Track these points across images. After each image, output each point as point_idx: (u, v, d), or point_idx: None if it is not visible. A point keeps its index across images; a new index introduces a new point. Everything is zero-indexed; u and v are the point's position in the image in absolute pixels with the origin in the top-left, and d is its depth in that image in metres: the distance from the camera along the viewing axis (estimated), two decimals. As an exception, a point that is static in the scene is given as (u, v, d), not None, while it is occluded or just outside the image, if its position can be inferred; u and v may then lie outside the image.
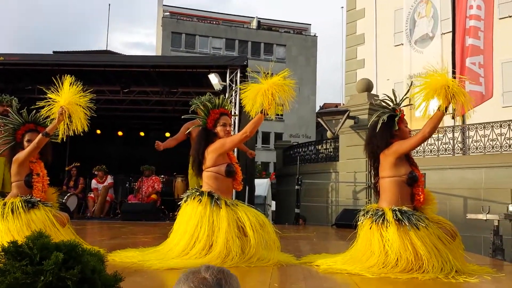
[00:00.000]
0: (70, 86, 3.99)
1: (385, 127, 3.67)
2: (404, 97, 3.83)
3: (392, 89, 4.04)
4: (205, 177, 3.86)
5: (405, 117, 3.80)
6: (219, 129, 3.92)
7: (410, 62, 15.25)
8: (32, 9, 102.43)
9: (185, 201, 3.79)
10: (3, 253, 1.61)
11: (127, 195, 11.06)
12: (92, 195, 10.71)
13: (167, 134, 13.50)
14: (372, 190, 3.85)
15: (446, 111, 3.56)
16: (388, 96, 3.83)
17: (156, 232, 6.20)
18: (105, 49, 24.06)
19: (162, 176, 11.27)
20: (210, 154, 3.83)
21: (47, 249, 1.58)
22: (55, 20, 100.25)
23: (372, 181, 3.87)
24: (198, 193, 3.74)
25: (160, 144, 5.86)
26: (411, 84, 3.99)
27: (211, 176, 3.82)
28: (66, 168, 11.52)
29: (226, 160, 3.87)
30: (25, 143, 4.09)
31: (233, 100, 9.71)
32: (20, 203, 3.86)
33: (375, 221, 3.49)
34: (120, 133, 13.95)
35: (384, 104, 3.82)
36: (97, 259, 1.69)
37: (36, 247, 1.57)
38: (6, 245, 1.59)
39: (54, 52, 18.64)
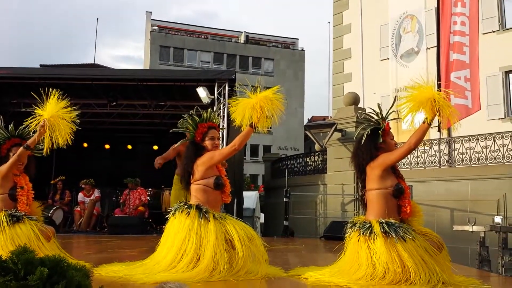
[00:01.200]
0: (55, 99, 3.97)
1: (369, 140, 3.70)
2: (390, 110, 3.87)
3: (378, 103, 4.08)
4: (193, 190, 3.84)
5: (391, 130, 3.83)
6: (207, 142, 3.91)
7: (396, 76, 15.46)
8: (20, 23, 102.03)
9: (173, 214, 3.77)
10: (-14, 268, 1.59)
11: (114, 209, 10.95)
12: (78, 208, 10.58)
13: (155, 147, 13.47)
14: (360, 203, 3.86)
15: (431, 124, 3.60)
16: (374, 110, 3.87)
17: (143, 245, 6.14)
18: (93, 62, 24.00)
19: (150, 189, 11.20)
20: (199, 167, 3.82)
21: (31, 264, 1.56)
22: (43, 34, 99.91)
23: (359, 193, 3.88)
24: (186, 206, 3.72)
25: (158, 162, 5.94)
26: (395, 99, 4.04)
27: (200, 189, 3.80)
28: (52, 182, 11.38)
29: (215, 173, 3.86)
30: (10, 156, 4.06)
31: (221, 114, 9.73)
32: (4, 217, 3.81)
33: (363, 233, 3.50)
34: (107, 146, 13.86)
35: (369, 117, 3.86)
36: (82, 274, 1.68)
37: (21, 262, 1.56)
38: (-10, 260, 1.57)
39: (41, 65, 18.55)
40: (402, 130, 14.07)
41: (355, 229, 3.60)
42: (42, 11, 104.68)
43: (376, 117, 3.81)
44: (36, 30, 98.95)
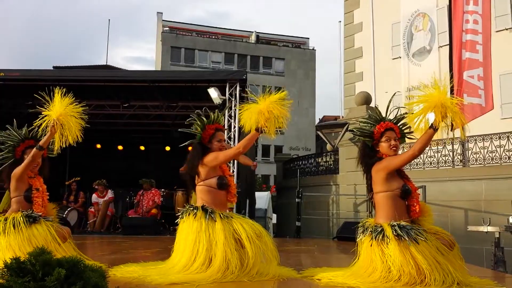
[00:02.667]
0: (59, 98, 4.00)
1: (364, 149, 3.74)
2: (394, 110, 3.86)
3: (375, 105, 4.10)
4: (198, 192, 3.84)
5: (393, 129, 3.79)
6: (215, 145, 3.91)
7: (408, 75, 15.34)
8: (34, 25, 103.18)
9: (181, 218, 3.79)
10: (5, 269, 1.62)
11: (127, 209, 11.04)
12: (92, 209, 10.69)
13: (167, 148, 13.54)
14: (371, 204, 3.84)
15: (437, 129, 3.58)
16: (372, 112, 3.88)
17: (157, 246, 6.18)
18: (105, 63, 24.19)
19: (163, 190, 11.26)
20: (203, 167, 3.83)
21: (49, 265, 1.59)
22: (56, 35, 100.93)
23: (367, 196, 3.86)
24: (192, 209, 3.74)
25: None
26: (391, 99, 4.05)
27: (204, 190, 3.80)
28: (66, 183, 11.51)
29: (218, 173, 3.86)
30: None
31: (232, 114, 9.75)
32: (21, 218, 3.86)
33: (375, 237, 3.49)
34: (120, 147, 13.97)
35: (363, 123, 3.85)
36: (99, 275, 1.70)
37: (39, 264, 1.58)
38: (9, 261, 1.60)
39: (54, 67, 18.72)
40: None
41: (367, 234, 3.58)
42: (55, 13, 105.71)
43: (372, 120, 3.80)
44: (49, 32, 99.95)
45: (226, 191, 3.87)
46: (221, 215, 3.67)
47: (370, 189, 3.74)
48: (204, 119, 3.99)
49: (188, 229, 3.64)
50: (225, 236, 3.52)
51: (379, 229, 3.48)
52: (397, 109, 3.90)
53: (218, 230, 3.55)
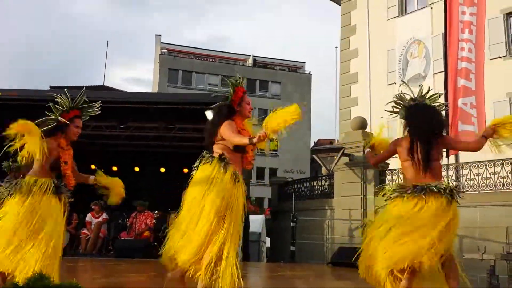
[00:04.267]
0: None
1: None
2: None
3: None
4: (215, 149, 3.78)
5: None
6: (244, 106, 3.91)
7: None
8: (32, 45, 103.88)
9: (196, 168, 3.71)
10: (2, 294, 1.61)
11: (120, 231, 10.93)
12: (85, 230, 10.58)
13: (162, 170, 13.51)
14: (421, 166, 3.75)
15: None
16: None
17: (151, 270, 6.11)
18: (102, 84, 24.31)
19: (156, 212, 11.18)
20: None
21: (47, 291, 1.57)
22: (54, 56, 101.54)
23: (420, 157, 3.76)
24: (208, 156, 3.70)
25: None
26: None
27: (221, 148, 3.74)
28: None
29: None
30: (74, 129, 3.99)
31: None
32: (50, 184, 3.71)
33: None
34: (114, 168, 13.92)
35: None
36: (97, 301, 1.69)
37: (37, 289, 1.57)
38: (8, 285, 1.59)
39: (51, 87, 18.77)
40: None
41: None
42: (54, 34, 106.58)
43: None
44: (47, 53, 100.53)
45: (242, 155, 3.82)
46: (236, 173, 3.61)
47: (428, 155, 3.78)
48: (234, 81, 3.96)
49: (201, 174, 3.61)
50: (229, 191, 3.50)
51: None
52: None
53: (226, 180, 3.51)
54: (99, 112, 4.04)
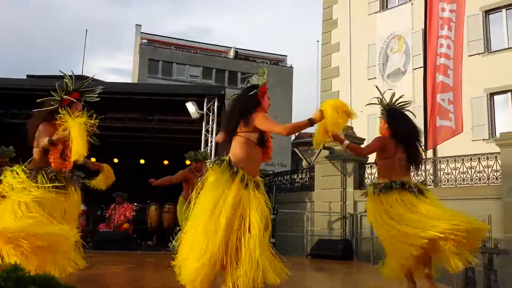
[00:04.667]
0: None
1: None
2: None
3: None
4: (235, 142, 3.59)
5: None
6: (265, 100, 3.83)
7: (383, 96, 15.65)
8: (8, 33, 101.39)
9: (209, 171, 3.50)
10: (-25, 286, 1.56)
11: (98, 223, 10.81)
12: (62, 222, 10.42)
13: (142, 161, 13.38)
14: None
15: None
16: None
17: (128, 262, 6.06)
18: (81, 74, 23.86)
19: (135, 204, 11.09)
20: (249, 119, 3.58)
21: (22, 282, 1.54)
22: (31, 44, 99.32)
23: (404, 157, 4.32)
24: (222, 160, 3.50)
25: (154, 181, 6.24)
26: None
27: (242, 141, 3.56)
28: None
29: (259, 130, 3.63)
30: (75, 112, 3.94)
31: (210, 129, 9.74)
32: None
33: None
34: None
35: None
36: (73, 293, 1.66)
37: (11, 280, 1.53)
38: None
39: (28, 76, 18.37)
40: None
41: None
42: (31, 22, 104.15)
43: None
44: (25, 42, 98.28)
45: (263, 149, 3.72)
46: (246, 179, 3.42)
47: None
48: (264, 77, 3.89)
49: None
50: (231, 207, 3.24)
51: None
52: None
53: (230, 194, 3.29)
54: (98, 99, 3.96)
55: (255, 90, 3.78)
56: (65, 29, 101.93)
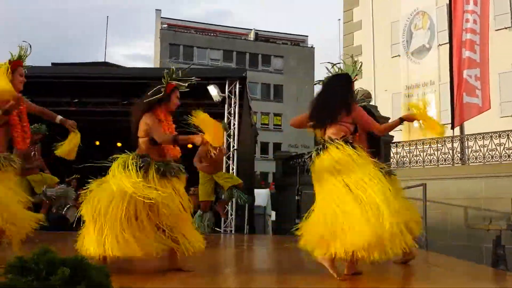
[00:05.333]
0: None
1: None
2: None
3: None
4: (337, 129, 3.48)
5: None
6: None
7: (407, 73, 15.36)
8: (33, 22, 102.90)
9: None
10: (8, 268, 1.60)
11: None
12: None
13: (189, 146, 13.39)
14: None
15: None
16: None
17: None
18: (103, 60, 24.13)
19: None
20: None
21: (53, 264, 1.56)
22: (55, 33, 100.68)
23: None
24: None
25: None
26: None
27: (344, 130, 3.48)
28: (66, 180, 11.44)
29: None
30: (175, 99, 3.81)
31: (232, 112, 9.73)
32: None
33: None
34: (119, 144, 13.91)
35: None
36: (103, 274, 1.68)
37: (42, 263, 1.56)
38: (12, 260, 1.58)
39: (52, 64, 18.64)
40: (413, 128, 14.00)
41: None
42: (54, 11, 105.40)
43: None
44: (48, 30, 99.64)
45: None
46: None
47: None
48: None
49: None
50: None
51: None
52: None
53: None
54: (187, 89, 3.86)
55: (350, 80, 3.68)
56: (87, 17, 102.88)
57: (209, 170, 6.81)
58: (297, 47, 37.72)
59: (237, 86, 9.88)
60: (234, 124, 9.69)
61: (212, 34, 36.60)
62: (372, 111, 4.00)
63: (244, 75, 10.06)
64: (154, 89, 3.73)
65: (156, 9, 37.60)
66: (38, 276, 1.54)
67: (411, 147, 10.89)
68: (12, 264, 1.59)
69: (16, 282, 1.54)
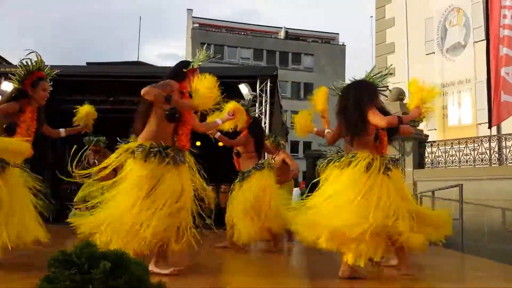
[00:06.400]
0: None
1: None
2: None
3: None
4: (366, 140, 3.55)
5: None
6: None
7: (442, 71, 15.02)
8: (68, 24, 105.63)
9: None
10: (52, 261, 1.64)
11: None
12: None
13: (198, 143, 13.57)
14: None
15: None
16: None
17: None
18: (136, 60, 24.57)
19: (212, 184, 11.28)
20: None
21: (94, 258, 1.60)
22: (90, 34, 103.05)
23: None
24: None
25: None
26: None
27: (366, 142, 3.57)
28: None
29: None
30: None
31: (263, 110, 9.74)
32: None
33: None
34: (197, 143, 14.08)
35: None
36: (142, 268, 1.71)
37: (84, 256, 1.60)
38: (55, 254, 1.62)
39: (87, 63, 19.07)
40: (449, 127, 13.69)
41: None
42: (88, 13, 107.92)
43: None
44: (83, 31, 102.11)
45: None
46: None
47: None
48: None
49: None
50: None
51: None
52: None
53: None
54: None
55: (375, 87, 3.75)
56: (120, 17, 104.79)
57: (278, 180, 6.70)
58: (328, 44, 37.44)
59: (268, 84, 9.88)
60: (265, 123, 9.69)
61: (242, 33, 36.74)
62: (384, 107, 3.97)
63: (275, 73, 10.05)
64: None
65: (187, 9, 38.01)
66: (80, 269, 1.58)
67: (446, 147, 10.66)
68: (55, 257, 1.64)
69: (59, 275, 1.58)
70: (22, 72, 3.76)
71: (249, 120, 5.62)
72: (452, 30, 15.42)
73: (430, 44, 15.84)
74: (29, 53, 3.77)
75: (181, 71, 3.73)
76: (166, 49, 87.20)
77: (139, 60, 24.98)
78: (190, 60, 3.86)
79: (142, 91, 3.36)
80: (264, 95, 9.85)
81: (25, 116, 3.68)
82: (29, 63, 3.75)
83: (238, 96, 10.14)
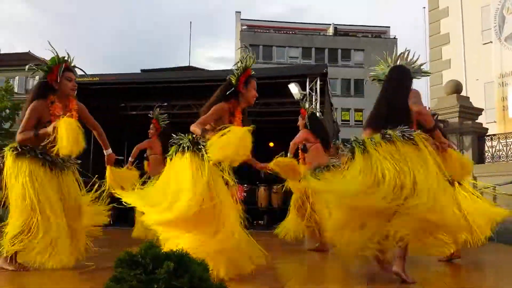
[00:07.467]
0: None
1: None
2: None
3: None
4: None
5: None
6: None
7: (500, 60, 14.33)
8: (122, 33, 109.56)
9: None
10: (118, 261, 1.73)
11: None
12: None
13: (271, 144, 13.61)
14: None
15: None
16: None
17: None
18: (188, 65, 25.11)
19: (245, 185, 11.43)
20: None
21: (158, 259, 1.67)
22: (142, 41, 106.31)
23: None
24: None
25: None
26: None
27: None
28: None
29: None
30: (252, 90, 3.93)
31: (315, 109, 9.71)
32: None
33: None
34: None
35: None
36: (203, 268, 1.77)
37: (149, 257, 1.67)
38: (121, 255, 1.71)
39: (141, 70, 19.72)
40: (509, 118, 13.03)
41: None
42: (140, 21, 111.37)
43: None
44: (136, 38, 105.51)
45: None
46: None
47: None
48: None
49: None
50: None
51: None
52: None
53: None
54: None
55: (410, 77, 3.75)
56: (171, 23, 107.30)
57: None
58: (379, 39, 36.61)
59: (318, 82, 9.83)
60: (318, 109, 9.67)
61: (290, 32, 36.63)
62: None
63: (324, 71, 9.98)
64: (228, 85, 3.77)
65: (236, 11, 38.36)
66: (145, 270, 1.65)
67: (507, 140, 10.15)
68: (122, 258, 1.72)
69: (126, 275, 1.66)
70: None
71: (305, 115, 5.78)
72: (510, 18, 14.68)
73: (487, 33, 15.15)
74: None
75: (225, 93, 3.71)
76: (216, 52, 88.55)
77: (190, 65, 25.51)
78: (232, 79, 3.77)
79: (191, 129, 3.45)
80: (314, 93, 9.81)
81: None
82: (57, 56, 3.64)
83: (289, 96, 10.17)
